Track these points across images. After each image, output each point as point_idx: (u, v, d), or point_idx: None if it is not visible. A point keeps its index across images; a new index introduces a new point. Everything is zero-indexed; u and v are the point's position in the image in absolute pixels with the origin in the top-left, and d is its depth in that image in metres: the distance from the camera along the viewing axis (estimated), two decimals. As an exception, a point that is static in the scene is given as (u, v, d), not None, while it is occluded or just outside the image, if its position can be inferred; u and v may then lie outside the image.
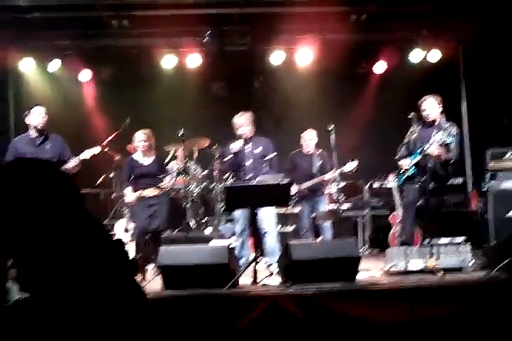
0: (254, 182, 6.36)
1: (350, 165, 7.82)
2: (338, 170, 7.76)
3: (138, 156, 7.25)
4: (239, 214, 6.64)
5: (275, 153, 6.95)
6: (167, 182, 7.21)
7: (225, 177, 7.64)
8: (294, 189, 7.65)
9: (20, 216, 1.75)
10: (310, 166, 8.03)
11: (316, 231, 7.92)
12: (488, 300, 4.62)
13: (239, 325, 4.69)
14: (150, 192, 7.09)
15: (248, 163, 6.85)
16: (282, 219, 8.15)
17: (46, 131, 6.76)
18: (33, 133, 6.70)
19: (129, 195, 7.17)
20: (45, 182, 1.81)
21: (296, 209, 8.18)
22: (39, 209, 1.76)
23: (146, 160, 7.23)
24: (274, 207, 6.63)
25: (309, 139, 8.05)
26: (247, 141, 6.88)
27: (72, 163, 6.63)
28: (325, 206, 8.01)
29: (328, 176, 7.86)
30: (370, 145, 7.61)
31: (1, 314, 1.79)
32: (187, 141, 8.39)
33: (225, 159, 7.06)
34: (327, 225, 7.82)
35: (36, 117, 6.65)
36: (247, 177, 6.75)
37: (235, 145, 6.85)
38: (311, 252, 5.60)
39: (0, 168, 1.85)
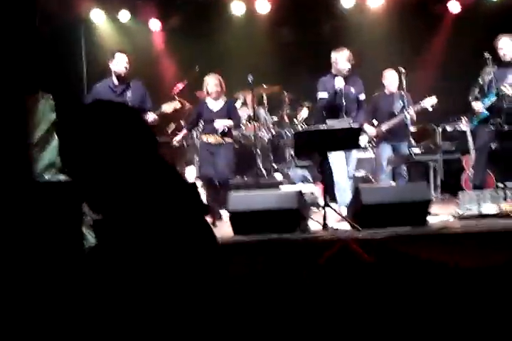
0: (323, 128, 6.31)
1: (430, 101, 7.30)
2: (418, 106, 7.31)
3: (209, 101, 7.18)
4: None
5: (364, 95, 6.92)
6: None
7: (295, 121, 7.65)
8: (373, 131, 7.46)
9: (98, 157, 1.79)
10: (391, 106, 7.57)
11: (392, 176, 7.60)
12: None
13: (310, 269, 4.77)
14: (213, 139, 7.05)
15: (343, 102, 6.65)
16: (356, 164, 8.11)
17: (128, 79, 6.70)
18: (114, 80, 6.68)
19: (179, 135, 7.43)
20: (123, 125, 1.84)
21: (370, 154, 8.11)
22: (116, 151, 1.80)
23: (216, 106, 7.14)
24: (344, 152, 6.58)
25: (392, 79, 7.55)
26: (346, 79, 6.69)
27: (151, 116, 6.64)
28: (406, 150, 7.54)
29: (408, 113, 7.32)
30: (443, 87, 7.35)
31: (79, 259, 1.85)
32: (256, 88, 8.38)
33: (320, 96, 6.77)
34: (402, 170, 7.47)
35: (119, 64, 6.61)
36: (342, 117, 6.62)
37: (339, 84, 6.61)
38: (382, 196, 5.55)
39: (81, 108, 1.90)
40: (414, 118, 7.40)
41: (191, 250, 1.82)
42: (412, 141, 7.72)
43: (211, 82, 7.08)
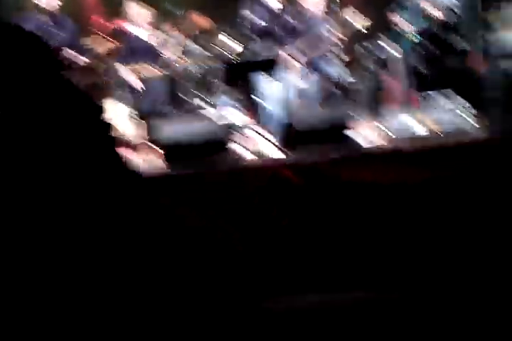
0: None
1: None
2: None
3: (133, 29, 7.00)
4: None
5: None
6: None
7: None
8: None
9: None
10: None
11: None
12: (486, 160, 4.65)
13: (242, 198, 4.79)
14: (145, 69, 6.90)
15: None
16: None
17: (56, 15, 6.53)
18: (41, 16, 6.43)
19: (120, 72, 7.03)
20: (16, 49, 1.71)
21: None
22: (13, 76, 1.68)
23: (142, 34, 6.97)
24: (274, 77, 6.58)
25: None
26: None
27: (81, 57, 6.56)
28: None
29: None
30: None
31: None
32: (186, 20, 8.19)
33: None
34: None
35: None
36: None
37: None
38: (314, 119, 5.61)
39: None
40: None
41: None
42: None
43: (134, 10, 6.88)
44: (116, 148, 1.85)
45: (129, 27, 6.98)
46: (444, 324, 2.51)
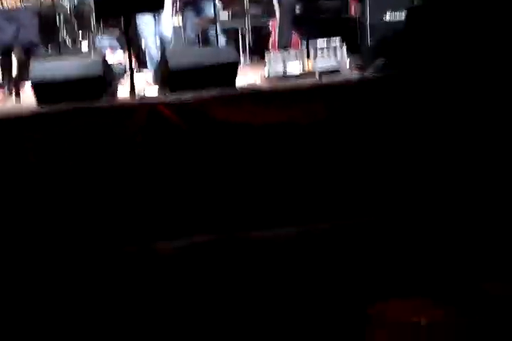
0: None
1: None
2: None
3: None
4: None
5: None
6: None
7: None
8: None
9: None
10: None
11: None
12: (361, 100, 4.76)
13: (120, 137, 4.70)
14: (10, 2, 6.43)
15: None
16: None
17: None
18: None
19: None
20: None
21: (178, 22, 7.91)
22: None
23: None
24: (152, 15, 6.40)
25: None
26: None
27: None
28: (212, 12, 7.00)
29: None
30: None
31: None
32: None
33: None
34: (210, 35, 7.20)
35: None
36: None
37: None
38: (189, 59, 5.51)
39: None
40: None
41: None
42: (219, 5, 7.56)
43: None
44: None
45: None
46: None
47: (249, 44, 8.44)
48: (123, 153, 4.69)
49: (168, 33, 6.60)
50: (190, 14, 7.19)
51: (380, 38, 6.18)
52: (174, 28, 7.60)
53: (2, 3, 6.45)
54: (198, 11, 7.23)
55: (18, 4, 6.48)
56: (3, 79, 6.55)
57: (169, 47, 6.54)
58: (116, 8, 5.66)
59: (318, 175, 4.17)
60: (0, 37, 6.50)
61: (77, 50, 7.67)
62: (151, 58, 6.35)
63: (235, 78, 5.59)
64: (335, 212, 3.81)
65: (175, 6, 7.25)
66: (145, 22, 6.36)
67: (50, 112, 4.92)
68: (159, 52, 6.41)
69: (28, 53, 6.54)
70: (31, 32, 6.57)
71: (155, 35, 6.48)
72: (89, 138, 4.72)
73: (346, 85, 5.29)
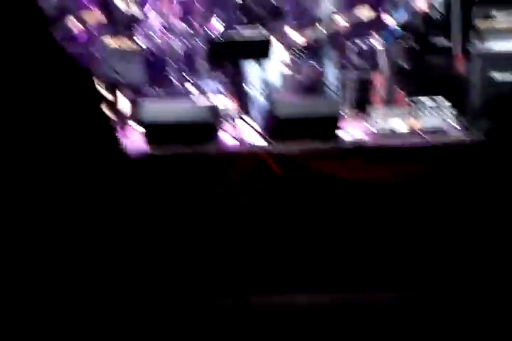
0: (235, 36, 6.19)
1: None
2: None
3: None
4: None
5: None
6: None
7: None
8: (297, 37, 7.06)
9: None
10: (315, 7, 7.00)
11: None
12: (466, 161, 4.70)
13: (223, 184, 4.78)
14: (122, 43, 6.68)
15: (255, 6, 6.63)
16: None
17: None
18: None
19: None
20: None
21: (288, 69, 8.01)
22: None
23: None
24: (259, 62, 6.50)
25: None
26: None
27: None
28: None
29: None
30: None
31: None
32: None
33: None
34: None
35: None
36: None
37: None
38: (295, 109, 5.57)
39: None
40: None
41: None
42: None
43: None
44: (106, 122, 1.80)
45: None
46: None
47: (353, 96, 8.45)
48: (225, 198, 4.77)
49: (275, 80, 6.65)
50: (303, 62, 7.19)
51: (488, 99, 6.09)
52: (284, 75, 7.73)
53: (120, 45, 6.68)
54: (309, 60, 7.21)
55: (134, 46, 6.71)
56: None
57: (276, 95, 6.59)
58: (224, 54, 5.78)
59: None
60: (108, 74, 6.63)
61: (185, 92, 7.84)
62: (255, 105, 6.42)
63: (339, 130, 5.61)
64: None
65: (290, 53, 7.25)
66: (251, 68, 6.44)
67: (159, 154, 5.08)
68: (264, 99, 6.47)
69: (135, 92, 6.72)
70: (139, 71, 6.74)
71: (261, 81, 6.57)
72: (195, 182, 4.84)
73: (451, 146, 5.25)
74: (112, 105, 6.61)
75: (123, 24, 6.77)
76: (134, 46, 6.80)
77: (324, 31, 6.83)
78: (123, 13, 6.77)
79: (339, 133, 5.59)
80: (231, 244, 4.55)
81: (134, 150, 5.26)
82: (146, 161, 4.92)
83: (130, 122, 6.49)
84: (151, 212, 4.54)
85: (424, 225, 4.37)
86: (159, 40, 8.01)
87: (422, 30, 6.55)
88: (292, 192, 4.78)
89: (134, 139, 5.71)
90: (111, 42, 6.67)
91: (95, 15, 6.65)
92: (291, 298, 3.85)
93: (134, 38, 6.92)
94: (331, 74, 7.06)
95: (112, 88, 6.68)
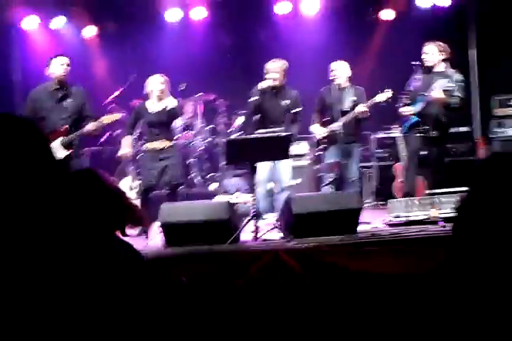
0: (253, 136, 6.30)
1: (384, 95, 6.92)
2: (371, 101, 6.91)
3: (149, 103, 6.74)
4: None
5: (301, 108, 6.78)
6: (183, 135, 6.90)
7: (230, 130, 7.61)
8: (321, 132, 7.13)
9: None
10: (340, 102, 7.01)
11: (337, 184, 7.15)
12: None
13: (241, 280, 4.76)
14: (159, 143, 6.63)
15: (274, 113, 6.69)
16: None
17: (68, 84, 6.53)
18: (53, 85, 6.48)
19: (125, 147, 6.78)
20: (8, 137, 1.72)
21: (303, 162, 8.12)
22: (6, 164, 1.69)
23: (156, 107, 6.68)
24: (290, 160, 6.58)
25: (341, 69, 7.07)
26: (276, 91, 6.70)
27: (91, 127, 6.40)
28: (357, 152, 7.12)
29: (358, 109, 6.86)
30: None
31: None
32: (192, 96, 8.36)
33: (250, 100, 6.68)
34: (352, 174, 7.06)
35: (58, 67, 6.41)
36: (269, 129, 6.57)
37: (263, 84, 6.60)
38: (312, 205, 5.58)
39: None
40: (364, 115, 6.97)
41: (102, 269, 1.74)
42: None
43: (157, 81, 6.66)
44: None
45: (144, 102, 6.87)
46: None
47: (376, 186, 8.50)
48: (244, 295, 4.74)
49: (286, 178, 6.64)
50: (328, 156, 7.13)
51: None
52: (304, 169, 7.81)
53: (150, 145, 6.70)
54: (343, 150, 7.10)
55: (164, 144, 6.67)
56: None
57: (293, 191, 6.61)
58: (245, 156, 5.87)
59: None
60: (146, 176, 6.67)
61: (206, 191, 7.97)
62: (259, 202, 6.37)
63: (357, 223, 5.59)
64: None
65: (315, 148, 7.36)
66: (260, 166, 6.42)
67: (173, 255, 5.12)
68: (282, 195, 6.46)
69: (171, 192, 6.62)
70: (176, 170, 6.67)
71: (267, 181, 6.63)
72: (214, 279, 4.84)
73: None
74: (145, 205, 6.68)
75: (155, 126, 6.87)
76: (165, 144, 6.74)
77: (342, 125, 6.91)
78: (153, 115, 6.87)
79: (357, 225, 5.58)
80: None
81: (154, 250, 5.33)
82: (165, 261, 4.96)
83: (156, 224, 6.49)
84: (172, 309, 4.53)
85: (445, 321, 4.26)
86: (182, 141, 8.22)
87: (440, 118, 6.60)
88: (311, 287, 4.74)
89: (157, 241, 5.76)
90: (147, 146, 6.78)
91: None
92: None
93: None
94: (354, 167, 7.07)
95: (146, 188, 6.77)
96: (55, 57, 6.52)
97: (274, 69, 6.66)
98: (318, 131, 7.16)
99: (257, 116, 6.68)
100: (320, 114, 7.24)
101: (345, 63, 7.17)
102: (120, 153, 6.88)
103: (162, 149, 6.63)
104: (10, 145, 1.71)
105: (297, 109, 6.73)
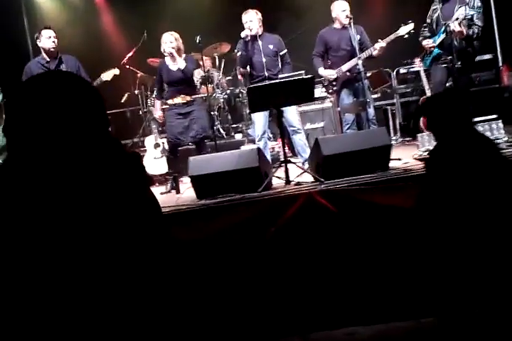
0: (276, 81, 6.23)
1: (407, 28, 6.72)
2: (392, 36, 6.72)
3: (168, 61, 6.90)
4: (258, 116, 6.60)
5: (286, 50, 6.87)
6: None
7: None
8: (332, 74, 7.04)
9: (40, 133, 1.67)
10: (348, 42, 6.86)
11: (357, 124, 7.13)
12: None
13: (277, 224, 4.77)
14: (181, 99, 6.80)
15: (263, 60, 6.70)
16: (312, 115, 8.08)
17: (59, 53, 6.68)
18: (45, 56, 6.65)
19: (157, 109, 7.11)
20: (67, 97, 1.73)
21: (327, 104, 8.06)
22: (58, 125, 1.69)
23: (174, 65, 6.84)
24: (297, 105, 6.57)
25: (342, 10, 6.85)
26: (256, 38, 6.72)
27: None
28: (368, 93, 6.86)
29: (379, 45, 6.70)
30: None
31: None
32: (207, 48, 8.27)
33: (237, 53, 6.86)
34: (370, 115, 6.85)
35: (46, 40, 6.57)
36: (264, 75, 6.69)
37: (244, 33, 6.65)
38: (341, 145, 5.52)
39: (21, 84, 1.76)
40: (382, 51, 6.81)
41: (134, 223, 1.77)
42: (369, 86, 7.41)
43: (167, 40, 6.78)
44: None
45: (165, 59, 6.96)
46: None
47: (399, 123, 8.39)
48: (281, 239, 4.76)
49: (295, 122, 6.67)
50: (345, 96, 7.07)
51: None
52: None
53: (173, 100, 6.84)
54: (355, 92, 7.09)
55: (188, 97, 6.84)
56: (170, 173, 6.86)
57: (300, 136, 6.65)
58: (269, 100, 5.80)
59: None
60: (172, 132, 6.87)
61: (232, 141, 7.94)
62: (302, 146, 6.49)
63: (389, 161, 5.53)
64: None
65: (329, 90, 7.24)
66: (292, 112, 6.60)
67: (208, 206, 5.12)
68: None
69: (199, 144, 6.87)
70: (203, 123, 6.90)
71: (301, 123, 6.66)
72: (247, 228, 4.85)
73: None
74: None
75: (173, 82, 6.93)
76: (189, 98, 6.90)
77: (360, 62, 6.77)
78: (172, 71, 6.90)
79: (388, 163, 5.52)
80: (289, 281, 4.55)
81: (187, 203, 5.35)
82: (199, 213, 4.97)
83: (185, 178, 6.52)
84: (212, 256, 4.57)
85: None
86: (202, 93, 8.16)
87: (463, 47, 6.45)
88: (346, 227, 4.74)
89: (188, 192, 5.77)
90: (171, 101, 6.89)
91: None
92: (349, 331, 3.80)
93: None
94: (371, 105, 6.96)
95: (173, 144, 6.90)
96: (43, 29, 6.63)
97: (249, 19, 6.69)
98: (328, 72, 7.07)
99: (248, 69, 6.82)
100: (322, 56, 7.16)
101: (342, 2, 6.99)
102: (156, 115, 7.17)
103: (185, 103, 6.79)
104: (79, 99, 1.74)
105: (283, 51, 6.87)
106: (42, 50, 6.65)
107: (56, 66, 6.58)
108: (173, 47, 6.74)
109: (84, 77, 6.43)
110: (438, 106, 3.22)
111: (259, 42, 6.73)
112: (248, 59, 6.75)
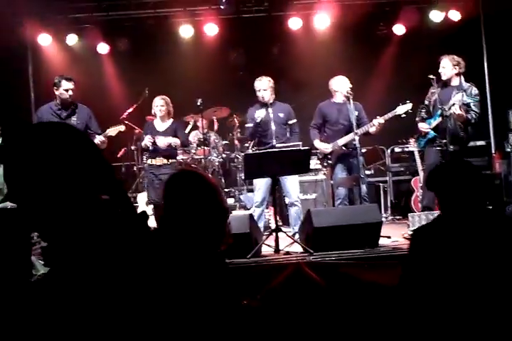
0: (273, 150, 6.30)
1: (404, 107, 6.79)
2: (390, 114, 6.79)
3: (156, 122, 7.21)
4: (260, 182, 6.56)
5: (295, 120, 6.96)
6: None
7: (246, 145, 7.63)
8: (327, 147, 7.03)
9: (43, 181, 1.66)
10: (346, 117, 6.89)
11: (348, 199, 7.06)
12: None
13: (263, 292, 4.75)
14: (159, 161, 7.00)
15: (272, 128, 6.73)
16: (305, 186, 8.11)
17: (73, 103, 6.64)
18: (59, 103, 6.60)
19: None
20: (68, 147, 1.72)
21: (320, 177, 8.11)
22: (61, 174, 1.68)
23: (161, 126, 7.14)
24: (297, 175, 6.61)
25: (344, 85, 6.95)
26: (268, 106, 6.80)
27: (97, 141, 6.47)
28: (362, 169, 6.86)
29: (377, 122, 6.74)
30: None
31: (25, 288, 1.77)
32: (206, 111, 8.39)
33: (247, 125, 6.96)
34: (362, 191, 6.69)
35: (64, 92, 6.52)
36: (272, 143, 6.68)
37: (260, 114, 6.73)
38: (333, 219, 5.58)
39: (24, 130, 1.73)
40: (380, 128, 6.88)
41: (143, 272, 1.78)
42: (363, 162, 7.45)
43: (158, 103, 7.10)
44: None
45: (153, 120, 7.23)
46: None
47: (391, 201, 8.48)
48: (266, 307, 4.72)
49: (294, 193, 6.63)
50: (338, 171, 7.02)
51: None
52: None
53: (151, 161, 7.05)
54: (348, 167, 7.02)
55: (163, 160, 7.01)
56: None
57: (296, 208, 6.62)
58: (264, 169, 5.87)
59: None
60: (150, 194, 7.09)
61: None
62: (295, 217, 6.44)
63: (378, 238, 5.58)
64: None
65: (323, 163, 7.23)
66: (292, 182, 6.59)
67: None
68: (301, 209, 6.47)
69: None
70: None
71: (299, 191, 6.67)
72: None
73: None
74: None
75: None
76: (166, 161, 7.09)
77: (357, 138, 6.84)
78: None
79: (378, 239, 5.57)
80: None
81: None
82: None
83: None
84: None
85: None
86: (198, 156, 8.23)
87: (458, 132, 6.58)
88: (331, 300, 4.73)
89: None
90: (149, 161, 7.11)
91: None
92: None
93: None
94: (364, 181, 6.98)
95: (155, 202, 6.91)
96: (63, 79, 6.57)
97: (263, 87, 6.81)
98: (324, 146, 7.06)
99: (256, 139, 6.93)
100: (319, 128, 7.21)
101: (344, 78, 7.11)
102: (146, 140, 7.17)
103: (159, 166, 7.00)
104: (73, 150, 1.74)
105: (293, 121, 6.96)
106: (57, 97, 6.59)
107: (68, 115, 6.57)
108: (162, 111, 7.06)
109: (94, 129, 6.61)
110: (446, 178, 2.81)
111: (270, 110, 6.79)
112: (258, 131, 6.81)
